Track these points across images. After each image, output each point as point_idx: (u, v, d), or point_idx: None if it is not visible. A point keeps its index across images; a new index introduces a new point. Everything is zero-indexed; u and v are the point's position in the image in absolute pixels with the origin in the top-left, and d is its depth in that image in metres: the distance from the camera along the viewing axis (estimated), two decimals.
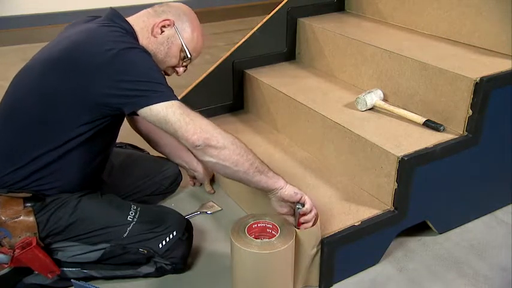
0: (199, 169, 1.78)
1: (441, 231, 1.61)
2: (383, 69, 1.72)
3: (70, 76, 1.22)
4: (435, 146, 1.43)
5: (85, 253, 1.33)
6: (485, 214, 1.69)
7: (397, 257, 1.52)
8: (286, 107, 1.85)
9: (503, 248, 1.55)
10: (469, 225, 1.65)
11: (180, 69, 1.43)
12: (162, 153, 1.77)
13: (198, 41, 1.41)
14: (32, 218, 1.28)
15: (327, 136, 1.66)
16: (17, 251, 1.25)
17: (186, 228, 1.40)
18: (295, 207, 1.28)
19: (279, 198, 1.28)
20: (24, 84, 1.31)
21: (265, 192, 1.28)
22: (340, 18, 2.13)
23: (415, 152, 1.40)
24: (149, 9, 1.39)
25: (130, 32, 1.32)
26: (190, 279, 1.43)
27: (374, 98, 1.67)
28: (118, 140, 1.55)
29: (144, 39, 1.35)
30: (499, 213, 1.71)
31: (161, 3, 1.41)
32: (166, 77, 1.34)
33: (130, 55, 1.21)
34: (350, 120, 1.61)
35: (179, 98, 1.25)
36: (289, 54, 2.16)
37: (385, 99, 1.70)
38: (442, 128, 1.51)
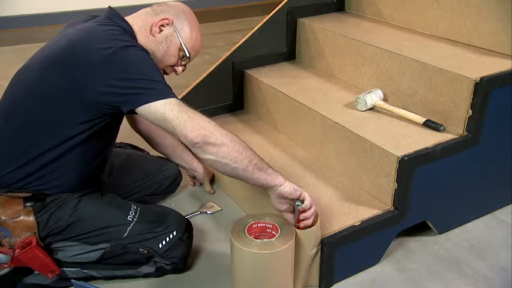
0: (199, 169, 1.78)
1: (441, 231, 1.61)
2: (383, 69, 1.73)
3: (68, 75, 1.22)
4: (435, 146, 1.43)
5: (85, 253, 1.33)
6: (485, 214, 1.69)
7: (397, 257, 1.52)
8: (286, 107, 1.85)
9: (503, 248, 1.55)
10: (469, 225, 1.65)
11: (179, 69, 1.43)
12: (162, 153, 1.77)
13: (196, 40, 1.41)
14: (32, 218, 1.28)
15: (327, 136, 1.66)
16: (17, 250, 1.25)
17: (186, 228, 1.40)
18: (294, 204, 1.28)
19: (279, 195, 1.27)
20: (22, 83, 1.31)
21: (265, 189, 1.28)
22: (340, 18, 2.13)
23: (415, 152, 1.40)
24: (148, 9, 1.39)
25: (129, 31, 1.32)
26: (190, 279, 1.43)
27: (374, 98, 1.67)
28: (118, 140, 1.55)
29: (143, 38, 1.35)
30: (499, 213, 1.71)
31: (160, 2, 1.41)
32: (165, 76, 1.35)
33: (128, 53, 1.21)
34: (350, 120, 1.61)
35: (179, 98, 1.25)
36: (289, 54, 2.16)
37: (385, 99, 1.70)
38: (442, 128, 1.51)
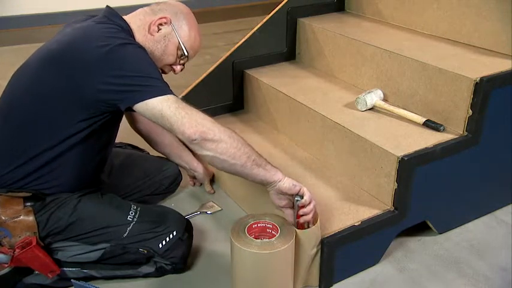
0: (199, 169, 1.78)
1: (441, 231, 1.61)
2: (383, 69, 1.73)
3: (66, 73, 1.22)
4: (435, 146, 1.43)
5: (85, 253, 1.33)
6: (485, 214, 1.69)
7: (397, 257, 1.52)
8: (286, 107, 1.85)
9: (503, 248, 1.55)
10: (469, 225, 1.65)
11: (178, 67, 1.43)
12: (162, 153, 1.77)
13: (195, 39, 1.41)
14: (31, 218, 1.28)
15: (327, 136, 1.66)
16: (17, 250, 1.25)
17: (186, 228, 1.40)
18: (294, 200, 1.27)
19: (278, 191, 1.27)
20: (21, 83, 1.31)
21: (264, 185, 1.27)
22: (340, 18, 2.13)
23: (415, 152, 1.40)
24: (146, 8, 1.39)
25: (127, 30, 1.32)
26: (190, 279, 1.43)
27: (374, 98, 1.67)
28: (118, 140, 1.55)
29: (141, 37, 1.35)
30: (499, 213, 1.71)
31: (158, 2, 1.41)
32: (165, 76, 1.34)
33: (125, 51, 1.21)
34: (350, 120, 1.61)
35: (179, 98, 1.25)
36: (289, 54, 2.16)
37: (385, 99, 1.70)
38: (442, 128, 1.51)
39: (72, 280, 1.26)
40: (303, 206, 1.26)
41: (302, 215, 1.27)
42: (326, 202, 1.50)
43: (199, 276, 1.44)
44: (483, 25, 1.65)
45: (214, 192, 1.83)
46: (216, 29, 3.91)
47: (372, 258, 1.48)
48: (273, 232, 1.29)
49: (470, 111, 1.45)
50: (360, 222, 1.40)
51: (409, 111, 1.61)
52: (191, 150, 1.77)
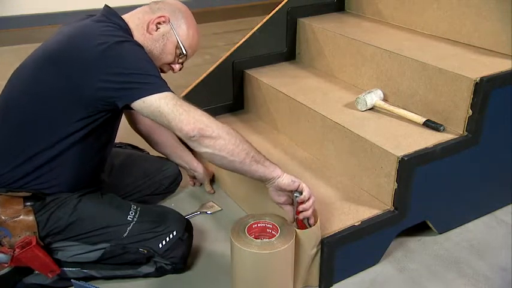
0: (199, 169, 1.78)
1: (441, 231, 1.61)
2: (383, 69, 1.73)
3: (64, 72, 1.22)
4: (435, 146, 1.43)
5: (85, 253, 1.33)
6: (485, 214, 1.69)
7: (397, 257, 1.52)
8: (286, 107, 1.85)
9: (503, 248, 1.55)
10: (469, 225, 1.65)
11: (176, 66, 1.43)
12: (162, 153, 1.77)
13: (193, 38, 1.41)
14: (31, 217, 1.27)
15: (327, 136, 1.66)
16: (17, 250, 1.25)
17: (186, 228, 1.40)
18: (293, 196, 1.27)
19: (277, 188, 1.27)
20: (19, 82, 1.31)
21: (263, 181, 1.27)
22: (340, 18, 2.13)
23: (415, 152, 1.40)
24: (145, 7, 1.39)
25: (125, 29, 1.32)
26: (190, 279, 1.43)
27: (374, 98, 1.67)
28: (118, 140, 1.55)
29: (140, 36, 1.34)
30: (499, 213, 1.71)
31: (157, 0, 1.41)
32: (166, 76, 1.34)
33: (122, 48, 1.21)
34: (350, 120, 1.61)
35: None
36: (289, 54, 2.16)
37: (385, 99, 1.70)
38: (442, 128, 1.51)
39: (72, 280, 1.26)
40: (302, 202, 1.26)
41: (302, 211, 1.27)
42: (326, 202, 1.50)
43: (199, 276, 1.44)
44: (483, 25, 1.65)
45: (214, 192, 1.83)
46: (216, 29, 3.91)
47: (372, 258, 1.48)
48: (273, 232, 1.29)
49: (470, 111, 1.45)
50: (360, 222, 1.40)
51: (409, 111, 1.61)
52: (191, 150, 1.77)
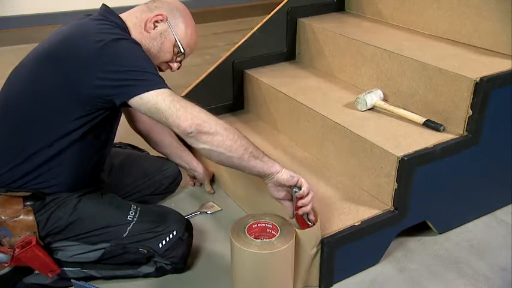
0: (199, 169, 1.78)
1: (441, 231, 1.61)
2: (383, 69, 1.73)
3: (61, 69, 1.22)
4: (435, 146, 1.43)
5: (85, 253, 1.33)
6: (485, 214, 1.69)
7: (397, 257, 1.52)
8: (286, 107, 1.85)
9: (503, 248, 1.55)
10: (469, 225, 1.65)
11: (174, 65, 1.43)
12: (162, 153, 1.76)
13: (191, 37, 1.41)
14: (31, 217, 1.27)
15: (327, 136, 1.66)
16: (17, 250, 1.25)
17: (186, 228, 1.40)
18: (292, 192, 1.27)
19: (276, 183, 1.26)
20: (18, 81, 1.31)
21: (261, 177, 1.27)
22: (340, 18, 2.13)
23: (415, 152, 1.40)
24: (142, 5, 1.40)
25: (122, 27, 1.32)
26: (190, 279, 1.43)
27: (374, 98, 1.67)
28: (118, 140, 1.55)
29: (138, 34, 1.34)
30: (499, 213, 1.71)
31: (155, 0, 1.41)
32: (165, 75, 1.34)
33: (119, 46, 1.21)
34: (350, 120, 1.61)
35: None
36: (289, 54, 2.16)
37: (385, 99, 1.70)
38: (442, 128, 1.51)
39: (72, 280, 1.26)
40: (302, 197, 1.26)
41: (301, 207, 1.26)
42: (326, 202, 1.50)
43: (199, 276, 1.44)
44: (483, 25, 1.65)
45: (214, 192, 1.83)
46: (216, 29, 3.91)
47: (372, 258, 1.48)
48: (273, 232, 1.29)
49: (470, 111, 1.45)
50: (360, 222, 1.40)
51: (409, 111, 1.61)
52: (191, 150, 1.77)
